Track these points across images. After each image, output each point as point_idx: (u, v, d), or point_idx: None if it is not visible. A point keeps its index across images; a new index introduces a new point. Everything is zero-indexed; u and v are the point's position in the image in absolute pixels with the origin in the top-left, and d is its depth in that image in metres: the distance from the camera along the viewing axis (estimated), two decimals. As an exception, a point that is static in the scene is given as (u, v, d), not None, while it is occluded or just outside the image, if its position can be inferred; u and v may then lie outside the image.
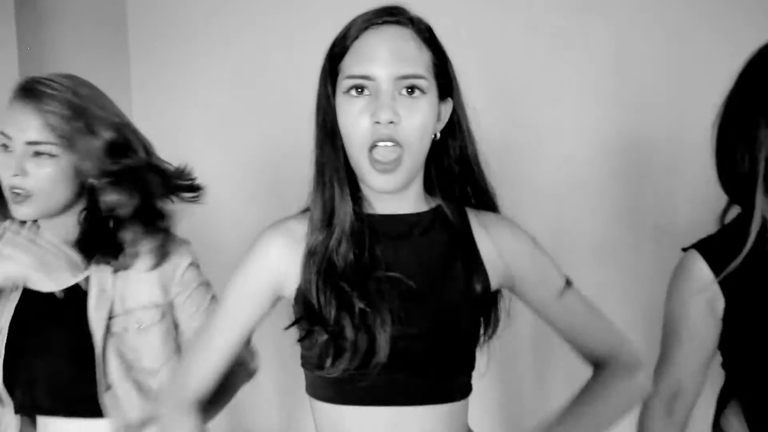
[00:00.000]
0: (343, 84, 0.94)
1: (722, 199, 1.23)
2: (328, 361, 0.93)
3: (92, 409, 1.31)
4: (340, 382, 0.94)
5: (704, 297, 1.11)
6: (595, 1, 3.00)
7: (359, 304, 0.91)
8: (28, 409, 1.35)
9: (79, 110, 1.23)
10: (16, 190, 1.20)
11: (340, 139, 0.96)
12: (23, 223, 1.34)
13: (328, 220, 0.95)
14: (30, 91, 1.19)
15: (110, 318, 1.30)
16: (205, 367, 1.06)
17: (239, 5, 3.69)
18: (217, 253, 2.10)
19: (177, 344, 1.41)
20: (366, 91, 0.92)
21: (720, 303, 1.12)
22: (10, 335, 1.32)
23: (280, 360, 3.13)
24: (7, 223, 1.37)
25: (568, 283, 1.04)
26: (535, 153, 2.85)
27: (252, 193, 3.48)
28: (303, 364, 1.03)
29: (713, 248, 1.13)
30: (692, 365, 1.16)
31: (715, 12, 3.07)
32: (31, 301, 1.33)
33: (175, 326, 1.43)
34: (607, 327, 1.08)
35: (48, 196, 1.23)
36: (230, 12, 3.62)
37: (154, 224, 1.35)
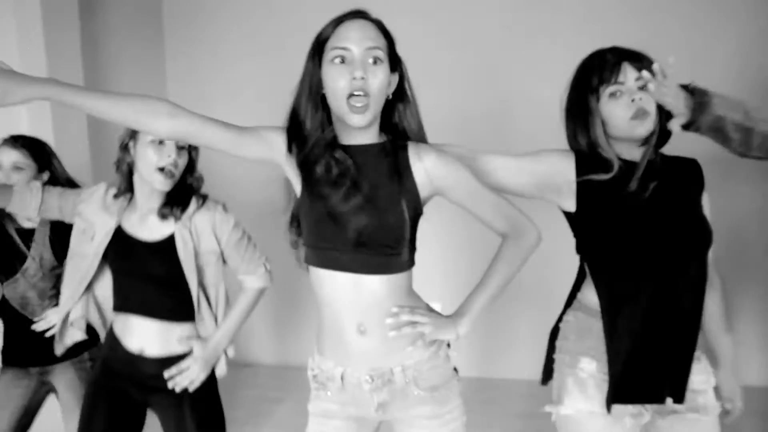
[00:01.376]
0: (329, 54, 1.34)
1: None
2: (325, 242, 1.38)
3: (175, 315, 1.90)
4: (323, 255, 1.39)
5: (557, 173, 1.53)
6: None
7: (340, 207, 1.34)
8: (124, 308, 1.90)
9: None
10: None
11: (319, 95, 1.38)
12: (120, 194, 1.91)
13: (312, 147, 1.38)
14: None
15: (195, 259, 1.87)
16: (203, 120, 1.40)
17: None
18: (244, 207, 2.55)
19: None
20: (345, 61, 1.32)
21: (571, 198, 1.52)
22: (112, 256, 1.89)
23: (274, 299, 3.61)
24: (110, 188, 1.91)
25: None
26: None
27: None
28: (303, 243, 1.45)
29: (585, 159, 1.52)
30: (517, 171, 1.54)
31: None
32: (126, 240, 1.89)
33: (224, 260, 1.97)
34: (507, 210, 1.47)
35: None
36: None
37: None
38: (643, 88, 1.45)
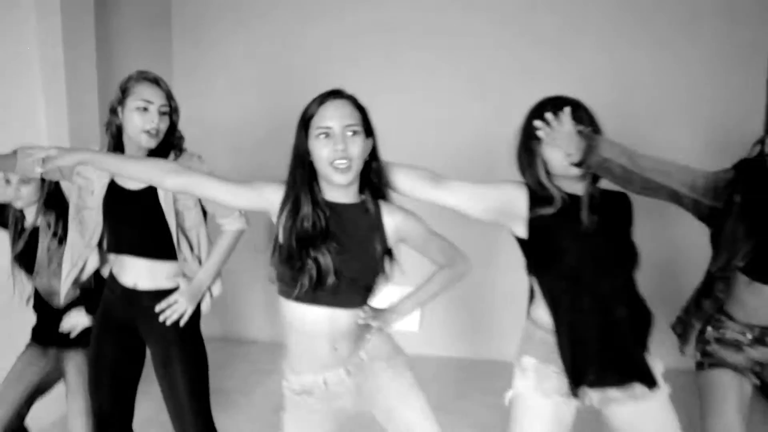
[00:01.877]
0: (315, 132, 1.64)
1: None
2: (309, 286, 1.65)
3: (160, 253, 2.17)
4: (305, 293, 1.65)
5: (511, 204, 1.79)
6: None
7: (319, 256, 1.64)
8: (118, 250, 2.19)
9: None
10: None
11: (308, 162, 1.67)
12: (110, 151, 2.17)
13: (296, 212, 1.66)
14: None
15: (175, 204, 2.15)
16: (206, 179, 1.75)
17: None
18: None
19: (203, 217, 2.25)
20: (328, 136, 1.63)
21: (522, 227, 1.78)
22: (106, 207, 2.17)
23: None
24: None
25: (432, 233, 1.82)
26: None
27: (264, 142, 4.18)
28: (279, 286, 1.74)
29: (535, 195, 1.78)
30: (473, 199, 1.79)
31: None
32: (117, 191, 2.16)
33: (203, 209, 2.22)
34: (449, 250, 1.85)
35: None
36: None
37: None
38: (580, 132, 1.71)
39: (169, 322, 2.14)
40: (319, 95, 1.69)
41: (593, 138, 1.71)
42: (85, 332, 2.44)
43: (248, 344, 4.49)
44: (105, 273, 2.33)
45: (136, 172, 1.80)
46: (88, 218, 2.22)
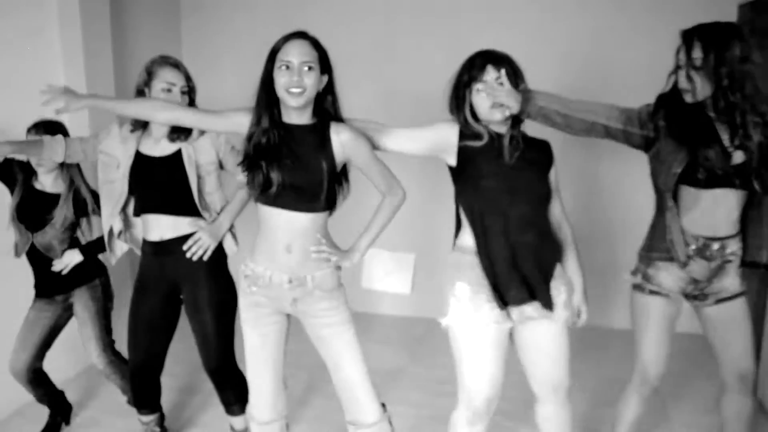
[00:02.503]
0: (278, 64, 1.94)
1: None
2: (259, 189, 1.98)
3: (183, 211, 2.46)
4: (265, 195, 1.98)
5: (444, 138, 2.08)
6: None
7: (268, 167, 1.96)
8: (144, 210, 2.47)
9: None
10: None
11: (271, 89, 1.96)
12: (136, 128, 2.47)
13: (257, 125, 2.00)
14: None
15: (197, 170, 2.45)
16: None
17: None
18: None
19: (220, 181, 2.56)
20: (288, 68, 1.92)
21: (453, 157, 2.06)
22: (133, 173, 2.44)
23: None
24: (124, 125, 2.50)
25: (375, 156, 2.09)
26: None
27: None
28: (249, 190, 2.05)
29: (466, 131, 2.05)
30: (410, 140, 2.11)
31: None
32: (144, 159, 2.45)
33: (221, 166, 2.53)
34: (388, 176, 2.11)
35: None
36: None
37: None
38: (500, 85, 2.01)
39: (195, 258, 2.44)
40: (286, 34, 2.00)
41: (529, 91, 2.00)
42: (82, 272, 2.83)
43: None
44: (137, 235, 2.63)
45: (134, 111, 2.20)
46: (111, 190, 2.51)
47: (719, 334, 2.25)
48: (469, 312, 2.08)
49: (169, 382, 3.35)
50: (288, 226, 2.03)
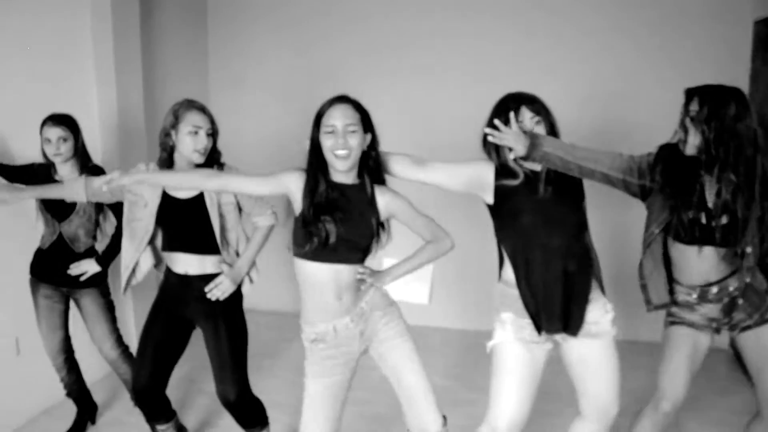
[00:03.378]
0: (324, 129, 2.06)
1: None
2: (319, 245, 2.06)
3: (206, 249, 2.59)
4: (313, 251, 2.07)
5: (481, 177, 2.17)
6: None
7: (327, 222, 2.06)
8: (170, 248, 2.60)
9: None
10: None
11: (320, 152, 2.08)
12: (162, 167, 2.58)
13: (315, 188, 2.08)
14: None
15: (219, 209, 2.58)
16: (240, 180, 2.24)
17: None
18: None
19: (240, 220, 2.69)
20: (333, 132, 2.04)
21: (490, 195, 2.16)
22: (160, 214, 2.57)
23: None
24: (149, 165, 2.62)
25: (417, 211, 2.21)
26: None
27: (289, 131, 4.56)
28: (294, 249, 2.13)
29: (502, 170, 2.15)
30: (450, 176, 2.20)
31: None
32: (170, 201, 2.58)
33: (239, 209, 2.63)
34: (433, 226, 2.25)
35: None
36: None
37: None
38: (538, 123, 2.11)
39: (214, 298, 2.56)
40: (329, 99, 2.11)
41: (537, 136, 2.07)
42: (95, 277, 3.00)
43: (273, 315, 4.90)
44: (161, 268, 2.76)
45: (183, 182, 2.40)
46: (137, 228, 2.63)
47: (755, 360, 2.27)
48: (511, 333, 2.18)
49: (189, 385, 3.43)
50: (336, 277, 2.13)
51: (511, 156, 2.12)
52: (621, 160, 2.19)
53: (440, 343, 4.47)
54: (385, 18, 4.63)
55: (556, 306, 2.14)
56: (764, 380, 2.25)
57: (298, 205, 2.13)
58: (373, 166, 2.18)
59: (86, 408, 3.25)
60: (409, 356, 2.23)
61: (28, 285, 3.06)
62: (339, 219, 2.07)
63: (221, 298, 2.58)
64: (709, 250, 2.17)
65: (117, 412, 3.45)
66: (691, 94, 2.14)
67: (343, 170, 2.10)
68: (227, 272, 2.60)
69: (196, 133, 2.49)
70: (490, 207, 2.23)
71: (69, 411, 3.27)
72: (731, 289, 2.21)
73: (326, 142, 2.07)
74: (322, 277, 2.13)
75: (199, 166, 2.54)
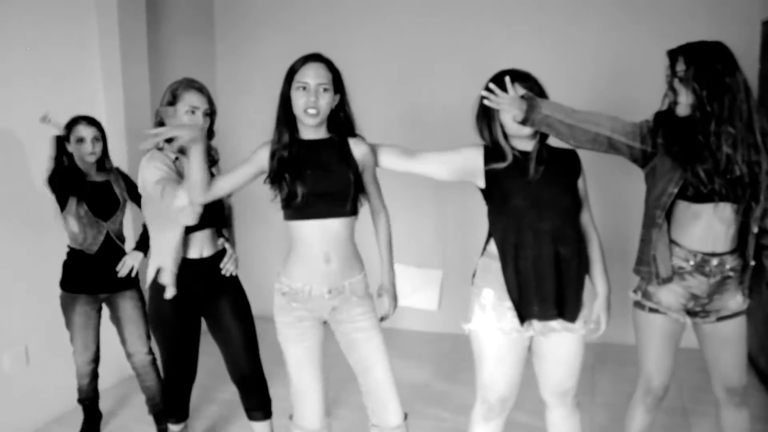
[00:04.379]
0: (295, 85, 2.07)
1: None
2: (286, 201, 2.09)
3: (221, 223, 2.67)
4: (295, 209, 2.09)
5: (470, 163, 2.14)
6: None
7: (295, 179, 2.07)
8: (196, 228, 2.47)
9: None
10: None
11: (290, 106, 2.09)
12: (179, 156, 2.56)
13: (278, 142, 2.12)
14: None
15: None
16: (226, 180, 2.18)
17: None
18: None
19: None
20: (305, 89, 2.05)
21: (481, 179, 2.13)
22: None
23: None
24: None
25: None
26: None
27: None
28: (282, 206, 2.14)
29: (491, 153, 2.12)
30: (440, 165, 2.19)
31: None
32: None
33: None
34: (379, 195, 2.27)
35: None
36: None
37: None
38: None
39: (228, 274, 2.64)
40: (303, 56, 2.13)
41: (533, 99, 2.05)
42: (133, 277, 3.01)
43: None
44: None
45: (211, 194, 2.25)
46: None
47: (714, 350, 2.28)
48: (492, 320, 2.14)
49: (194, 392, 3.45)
50: (324, 235, 2.14)
51: (508, 120, 2.09)
52: (623, 124, 2.16)
53: (450, 350, 4.45)
54: (393, 21, 4.63)
55: (549, 291, 2.10)
56: (720, 369, 2.29)
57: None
58: (342, 121, 2.20)
59: (94, 416, 3.25)
60: (381, 350, 2.26)
61: (61, 304, 3.03)
62: (308, 175, 2.09)
63: (234, 273, 2.66)
64: (724, 208, 2.10)
65: (124, 420, 3.46)
66: (675, 54, 2.11)
67: (312, 125, 2.12)
68: (229, 247, 2.67)
69: (193, 112, 2.47)
70: (482, 191, 2.20)
71: (78, 419, 3.27)
72: (728, 266, 2.17)
73: (298, 100, 2.09)
74: (307, 234, 2.14)
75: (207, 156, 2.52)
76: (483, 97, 2.09)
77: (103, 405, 3.41)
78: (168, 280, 2.49)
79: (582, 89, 4.14)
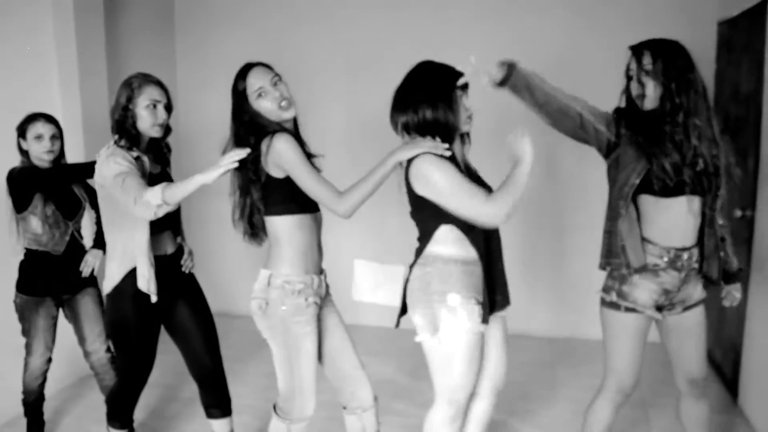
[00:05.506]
0: (253, 94, 2.15)
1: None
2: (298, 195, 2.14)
3: (179, 223, 2.69)
4: (301, 203, 2.17)
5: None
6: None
7: None
8: (159, 230, 2.46)
9: None
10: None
11: (248, 114, 2.16)
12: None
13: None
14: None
15: None
16: None
17: None
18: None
19: None
20: (262, 92, 2.13)
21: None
22: None
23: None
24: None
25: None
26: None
27: None
28: (285, 200, 2.16)
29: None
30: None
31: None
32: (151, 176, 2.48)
33: None
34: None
35: None
36: None
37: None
38: None
39: (188, 270, 2.67)
40: (239, 72, 2.22)
41: (514, 63, 2.12)
42: (92, 275, 2.97)
43: (243, 318, 4.79)
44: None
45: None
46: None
47: (678, 342, 2.32)
48: (464, 321, 2.11)
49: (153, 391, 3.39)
50: (318, 225, 2.28)
51: (487, 84, 2.13)
52: (593, 106, 2.21)
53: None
54: (353, 16, 4.62)
55: (504, 280, 2.25)
56: (683, 360, 2.33)
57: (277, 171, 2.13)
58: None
59: (38, 419, 3.14)
60: (348, 338, 2.41)
61: (19, 308, 2.90)
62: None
63: (193, 269, 2.67)
64: (693, 200, 2.15)
65: (80, 420, 3.38)
66: (640, 49, 2.16)
67: (291, 117, 2.20)
68: (186, 244, 2.70)
69: (154, 107, 2.42)
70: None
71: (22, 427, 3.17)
72: (694, 259, 2.22)
73: (263, 104, 2.16)
74: (307, 226, 2.22)
75: (155, 140, 2.51)
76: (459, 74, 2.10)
77: (55, 405, 3.33)
78: (152, 287, 2.44)
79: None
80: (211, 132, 4.58)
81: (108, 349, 3.05)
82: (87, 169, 2.71)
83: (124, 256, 2.43)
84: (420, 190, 2.07)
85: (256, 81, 2.15)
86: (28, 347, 2.94)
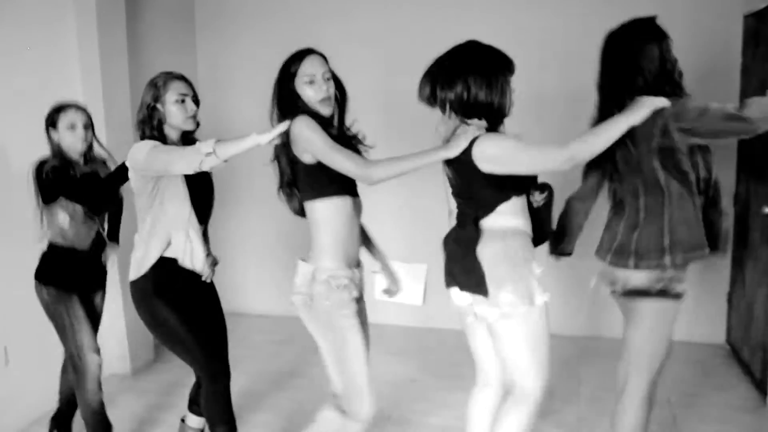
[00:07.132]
0: (303, 78, 2.15)
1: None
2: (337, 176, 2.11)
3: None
4: (342, 184, 2.16)
5: None
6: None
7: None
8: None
9: None
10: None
11: (289, 93, 2.18)
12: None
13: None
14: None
15: None
16: None
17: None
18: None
19: None
20: (313, 80, 2.14)
21: None
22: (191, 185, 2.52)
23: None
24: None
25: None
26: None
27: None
28: (326, 182, 2.15)
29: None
30: None
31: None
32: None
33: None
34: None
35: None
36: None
37: None
38: None
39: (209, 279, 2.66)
40: (298, 52, 2.22)
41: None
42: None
43: (263, 317, 4.85)
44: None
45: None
46: (168, 208, 2.54)
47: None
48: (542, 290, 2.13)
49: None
50: (358, 212, 2.26)
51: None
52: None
53: (435, 344, 4.44)
54: (374, 13, 4.59)
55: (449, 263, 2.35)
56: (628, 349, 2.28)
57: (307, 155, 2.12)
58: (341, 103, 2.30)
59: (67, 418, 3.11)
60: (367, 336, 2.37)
61: (52, 301, 2.78)
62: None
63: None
64: None
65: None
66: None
67: (329, 114, 2.19)
68: (212, 254, 2.69)
69: (183, 101, 2.43)
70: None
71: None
72: None
73: (307, 92, 2.15)
74: (348, 212, 2.20)
75: (189, 133, 2.51)
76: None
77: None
78: (207, 263, 2.56)
79: (535, 76, 4.14)
80: (231, 130, 4.66)
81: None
82: (120, 176, 2.61)
83: (163, 232, 2.45)
84: (486, 167, 2.01)
85: (310, 68, 2.16)
86: (73, 344, 2.78)
